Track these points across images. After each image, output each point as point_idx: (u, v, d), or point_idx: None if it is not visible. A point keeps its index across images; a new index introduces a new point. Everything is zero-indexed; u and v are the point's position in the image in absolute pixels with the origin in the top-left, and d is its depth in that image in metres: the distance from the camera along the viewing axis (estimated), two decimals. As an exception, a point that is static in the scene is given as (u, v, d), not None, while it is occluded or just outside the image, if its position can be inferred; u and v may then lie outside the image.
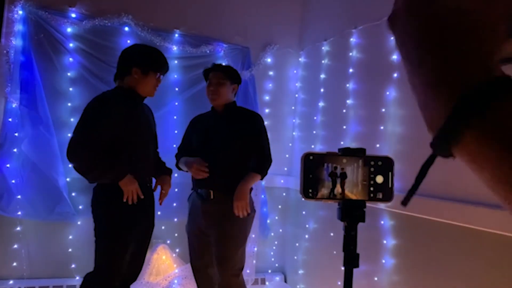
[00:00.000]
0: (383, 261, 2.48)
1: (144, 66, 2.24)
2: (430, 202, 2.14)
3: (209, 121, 2.55)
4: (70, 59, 3.01)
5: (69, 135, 2.98)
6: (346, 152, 0.70)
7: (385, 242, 2.48)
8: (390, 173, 0.70)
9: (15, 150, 2.81)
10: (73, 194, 3.00)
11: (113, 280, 2.20)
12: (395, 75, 2.54)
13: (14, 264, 2.88)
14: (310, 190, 0.70)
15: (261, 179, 2.48)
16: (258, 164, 2.44)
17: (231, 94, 2.54)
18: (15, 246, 2.88)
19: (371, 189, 0.70)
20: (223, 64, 2.68)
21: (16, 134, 2.81)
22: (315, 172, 0.70)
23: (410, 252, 2.32)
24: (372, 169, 0.70)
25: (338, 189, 0.70)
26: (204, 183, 2.41)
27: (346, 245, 0.72)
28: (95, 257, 2.21)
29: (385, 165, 0.71)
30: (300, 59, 3.77)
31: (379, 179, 0.70)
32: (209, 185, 2.40)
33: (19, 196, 2.81)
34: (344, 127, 2.99)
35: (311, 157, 0.70)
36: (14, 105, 2.81)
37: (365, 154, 0.71)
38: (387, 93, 2.59)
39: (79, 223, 3.05)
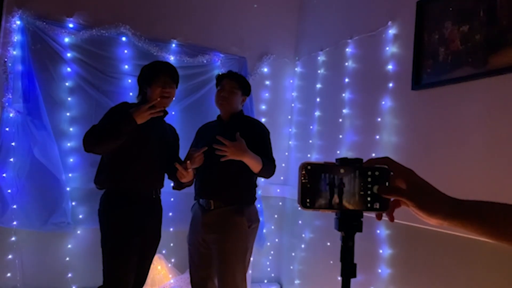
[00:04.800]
0: (379, 270, 2.48)
1: (143, 81, 2.37)
2: (426, 212, 2.15)
3: (214, 129, 2.50)
4: (68, 69, 3.03)
5: (69, 144, 3.01)
6: (344, 162, 0.71)
7: (381, 251, 2.49)
8: (387, 183, 0.71)
9: (11, 159, 2.80)
10: (73, 203, 3.00)
11: None
12: (391, 85, 2.57)
13: (8, 274, 2.86)
14: (308, 200, 0.71)
15: (262, 173, 2.31)
16: (266, 160, 2.31)
17: (239, 104, 2.52)
18: (10, 256, 2.86)
19: (368, 199, 0.71)
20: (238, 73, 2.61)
21: (13, 144, 2.80)
22: (313, 182, 0.70)
23: (406, 261, 2.33)
24: (369, 179, 0.71)
25: (335, 199, 0.70)
26: (206, 192, 2.38)
27: (343, 255, 0.72)
28: (102, 269, 2.19)
29: (382, 175, 0.71)
30: (296, 69, 3.80)
31: (376, 189, 0.71)
32: (210, 194, 2.35)
33: (14, 206, 2.79)
34: (340, 136, 3.01)
35: (309, 167, 0.71)
36: (11, 115, 2.81)
37: (362, 164, 0.72)
38: (383, 102, 2.61)
39: (78, 232, 3.04)
